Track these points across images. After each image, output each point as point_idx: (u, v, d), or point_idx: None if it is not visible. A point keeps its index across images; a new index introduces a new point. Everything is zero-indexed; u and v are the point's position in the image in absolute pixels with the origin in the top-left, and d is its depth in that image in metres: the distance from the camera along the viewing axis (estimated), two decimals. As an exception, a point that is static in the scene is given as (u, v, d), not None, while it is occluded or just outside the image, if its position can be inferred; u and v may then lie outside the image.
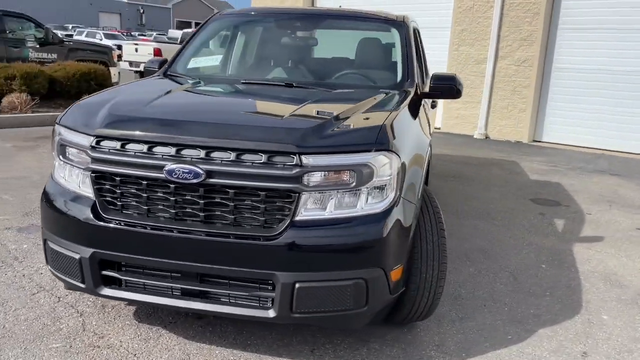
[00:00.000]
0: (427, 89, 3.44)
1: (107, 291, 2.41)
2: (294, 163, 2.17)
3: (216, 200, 2.23)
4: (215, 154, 2.20)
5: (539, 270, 3.86)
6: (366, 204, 2.26)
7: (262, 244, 2.18)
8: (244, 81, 3.43)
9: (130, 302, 2.48)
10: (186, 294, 2.34)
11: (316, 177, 2.20)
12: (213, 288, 2.30)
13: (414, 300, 2.63)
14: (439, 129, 10.59)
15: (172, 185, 2.25)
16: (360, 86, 3.45)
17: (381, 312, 2.48)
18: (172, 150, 2.24)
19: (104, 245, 2.33)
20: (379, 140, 2.28)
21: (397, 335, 2.83)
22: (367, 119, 2.52)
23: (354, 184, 2.22)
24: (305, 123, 2.38)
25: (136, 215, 2.34)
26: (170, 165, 2.21)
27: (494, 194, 5.92)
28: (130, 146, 2.30)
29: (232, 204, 2.22)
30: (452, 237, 4.25)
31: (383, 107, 2.80)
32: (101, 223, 2.33)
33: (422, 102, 3.42)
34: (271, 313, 2.24)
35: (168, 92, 2.96)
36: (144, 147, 2.28)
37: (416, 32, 4.13)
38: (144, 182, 2.29)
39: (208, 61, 3.78)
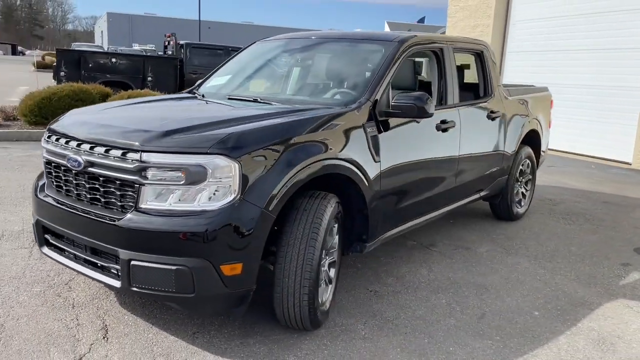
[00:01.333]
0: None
1: (45, 250, 3.09)
2: (136, 159, 2.56)
3: (92, 185, 2.75)
4: (95, 149, 2.72)
5: None
6: (204, 201, 2.52)
7: (111, 223, 2.60)
8: (229, 97, 3.88)
9: (57, 262, 3.11)
10: (78, 259, 2.89)
11: (154, 172, 2.54)
12: (92, 257, 2.80)
13: (280, 304, 2.75)
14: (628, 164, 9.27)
15: (73, 171, 2.84)
16: (309, 102, 3.58)
17: (227, 303, 2.65)
18: (74, 144, 2.84)
19: (42, 214, 3.04)
20: (218, 146, 2.53)
21: (281, 336, 2.93)
22: (226, 127, 2.76)
23: (186, 181, 2.50)
24: (161, 127, 2.73)
25: (55, 192, 3.00)
26: (70, 155, 2.81)
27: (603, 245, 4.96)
28: (56, 139, 2.97)
29: (102, 189, 2.71)
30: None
31: (263, 119, 2.97)
32: (40, 197, 3.05)
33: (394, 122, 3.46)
34: (118, 283, 2.64)
35: (126, 105, 3.67)
36: (63, 141, 2.92)
37: (415, 51, 3.96)
38: (59, 167, 2.94)
39: (221, 80, 4.31)
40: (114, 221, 2.59)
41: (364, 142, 3.22)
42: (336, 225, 3.13)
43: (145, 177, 2.54)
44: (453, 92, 4.20)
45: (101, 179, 2.71)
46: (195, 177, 2.50)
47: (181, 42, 13.78)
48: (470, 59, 4.84)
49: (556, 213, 5.86)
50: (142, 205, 2.57)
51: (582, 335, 3.14)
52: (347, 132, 3.13)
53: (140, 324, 3.00)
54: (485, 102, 4.71)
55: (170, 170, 2.53)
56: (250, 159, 2.58)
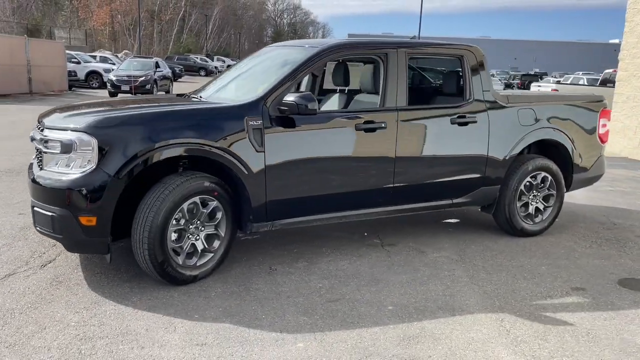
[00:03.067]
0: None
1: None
2: (43, 134, 3.60)
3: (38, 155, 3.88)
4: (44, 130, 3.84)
5: None
6: (74, 168, 3.44)
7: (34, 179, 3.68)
8: (192, 96, 4.71)
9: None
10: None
11: (49, 144, 3.54)
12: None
13: (135, 254, 3.53)
14: None
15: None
16: (227, 99, 4.24)
17: (93, 248, 3.52)
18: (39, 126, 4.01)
19: None
20: (84, 126, 3.43)
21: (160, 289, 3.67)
22: (109, 113, 3.67)
23: (62, 151, 3.45)
24: (70, 112, 3.72)
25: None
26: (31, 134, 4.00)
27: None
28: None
29: (39, 157, 3.83)
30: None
31: (152, 108, 3.84)
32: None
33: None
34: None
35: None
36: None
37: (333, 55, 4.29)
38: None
39: (220, 83, 5.05)
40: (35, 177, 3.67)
41: (243, 134, 3.75)
42: (214, 203, 3.72)
43: (47, 147, 3.57)
44: (396, 96, 4.34)
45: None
46: (68, 148, 3.44)
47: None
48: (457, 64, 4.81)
49: (591, 237, 5.23)
50: (44, 168, 3.60)
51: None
52: (223, 123, 3.72)
53: (74, 272, 4.06)
54: (454, 107, 4.65)
55: (54, 143, 3.51)
56: (108, 136, 3.41)
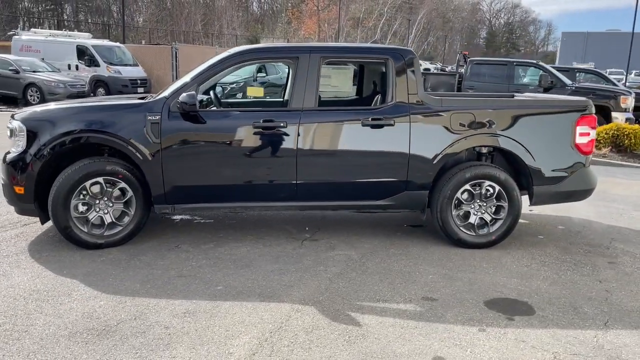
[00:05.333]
0: None
1: None
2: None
3: None
4: None
5: None
6: (15, 149, 4.52)
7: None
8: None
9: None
10: None
11: (13, 132, 4.66)
12: None
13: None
14: None
15: None
16: (159, 96, 4.89)
17: (29, 211, 4.58)
18: None
19: None
20: (21, 116, 4.51)
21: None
22: (50, 107, 4.67)
23: (12, 136, 4.57)
24: (32, 109, 4.82)
25: None
26: None
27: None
28: None
29: None
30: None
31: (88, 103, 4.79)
32: None
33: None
34: None
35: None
36: None
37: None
38: None
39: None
40: None
41: (141, 127, 4.43)
42: (121, 184, 4.49)
43: (13, 135, 4.72)
44: (303, 98, 4.56)
45: None
46: (12, 133, 4.55)
47: (471, 58, 14.42)
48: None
49: (535, 253, 4.68)
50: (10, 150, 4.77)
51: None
52: (125, 118, 4.48)
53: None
54: (369, 109, 4.66)
55: (8, 129, 4.64)
56: (34, 126, 4.43)
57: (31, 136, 4.42)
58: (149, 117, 4.47)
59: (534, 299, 3.81)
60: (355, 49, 4.90)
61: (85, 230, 4.51)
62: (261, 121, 4.53)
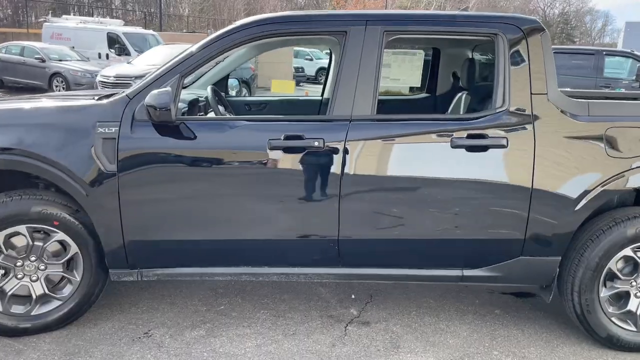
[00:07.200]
0: None
1: None
2: None
3: None
4: None
5: None
6: None
7: None
8: None
9: None
10: None
11: None
12: None
13: None
14: None
15: None
16: None
17: None
18: None
19: None
20: None
21: None
22: None
23: None
24: None
25: None
26: None
27: None
28: None
29: None
30: None
31: None
32: None
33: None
34: None
35: None
36: None
37: None
38: None
39: None
40: None
41: (86, 144, 2.70)
42: (58, 235, 2.80)
43: None
44: (352, 99, 2.74)
45: None
46: None
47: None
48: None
49: None
50: None
51: None
52: (60, 128, 2.74)
53: None
54: (462, 120, 2.78)
55: None
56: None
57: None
58: (100, 130, 2.72)
59: None
60: (443, 19, 2.98)
61: (0, 308, 2.82)
62: (282, 137, 2.72)
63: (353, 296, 3.44)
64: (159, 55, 13.01)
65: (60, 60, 16.75)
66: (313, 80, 26.03)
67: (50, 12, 25.27)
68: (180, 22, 45.88)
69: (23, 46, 16.98)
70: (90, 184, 2.70)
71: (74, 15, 28.89)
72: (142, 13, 45.14)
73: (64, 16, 22.53)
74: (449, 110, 3.73)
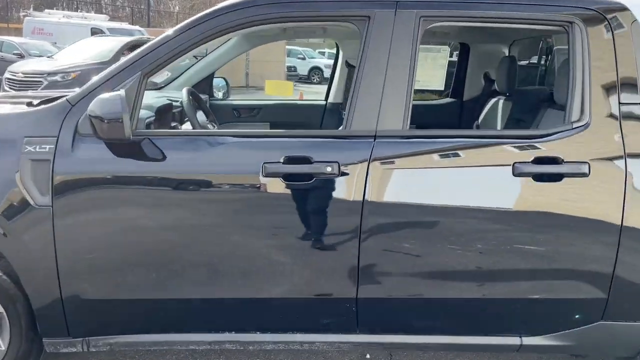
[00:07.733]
0: None
1: None
2: None
3: None
4: None
5: None
6: None
7: None
8: None
9: None
10: None
11: None
12: None
13: None
14: None
15: None
16: None
17: None
18: None
19: None
20: None
21: None
22: None
23: None
24: None
25: None
26: None
27: None
28: None
29: None
30: None
31: None
32: None
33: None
34: None
35: None
36: None
37: None
38: None
39: None
40: None
41: (8, 167, 1.94)
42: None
43: None
44: (378, 108, 2.01)
45: None
46: None
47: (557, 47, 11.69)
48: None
49: None
50: None
51: None
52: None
53: None
54: (526, 138, 2.06)
55: None
56: None
57: None
58: (28, 149, 1.95)
59: None
60: (504, 2, 2.20)
61: None
62: (281, 160, 1.97)
63: (368, 356, 2.71)
64: (91, 49, 11.00)
65: (41, 57, 15.94)
66: (306, 79, 25.28)
67: (32, 5, 24.32)
68: (170, 19, 45.02)
69: (2, 41, 16.14)
70: (10, 220, 1.94)
71: (62, 10, 27.93)
72: (131, 9, 44.26)
73: (46, 10, 21.62)
74: (480, 120, 3.04)
